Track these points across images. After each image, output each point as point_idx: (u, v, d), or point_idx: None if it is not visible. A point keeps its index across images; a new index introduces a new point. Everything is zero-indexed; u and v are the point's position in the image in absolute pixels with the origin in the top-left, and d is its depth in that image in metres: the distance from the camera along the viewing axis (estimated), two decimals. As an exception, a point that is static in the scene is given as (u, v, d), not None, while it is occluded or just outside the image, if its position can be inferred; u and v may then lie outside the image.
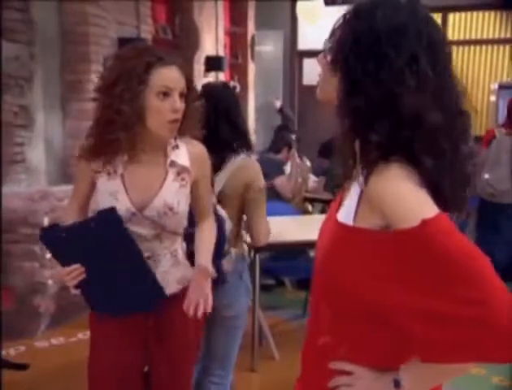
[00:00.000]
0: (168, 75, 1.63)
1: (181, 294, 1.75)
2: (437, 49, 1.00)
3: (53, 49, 4.08)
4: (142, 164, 1.72)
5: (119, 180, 1.70)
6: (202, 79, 6.17)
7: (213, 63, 6.22)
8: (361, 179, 1.03)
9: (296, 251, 3.95)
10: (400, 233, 0.94)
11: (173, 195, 1.72)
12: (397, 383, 1.03)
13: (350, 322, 1.08)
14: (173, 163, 1.73)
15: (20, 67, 3.73)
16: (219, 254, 2.06)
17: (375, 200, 1.00)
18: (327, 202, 5.10)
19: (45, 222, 3.67)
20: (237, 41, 7.41)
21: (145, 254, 1.71)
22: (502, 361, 0.92)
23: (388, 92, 0.97)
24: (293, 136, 5.48)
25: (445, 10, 8.08)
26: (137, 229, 1.70)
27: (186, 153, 1.76)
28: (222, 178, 2.18)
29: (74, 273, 1.62)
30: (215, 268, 1.91)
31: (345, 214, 1.07)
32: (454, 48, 8.29)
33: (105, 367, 1.80)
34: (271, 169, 4.73)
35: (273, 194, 4.74)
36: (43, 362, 3.40)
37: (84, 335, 3.75)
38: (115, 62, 1.66)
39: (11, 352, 3.49)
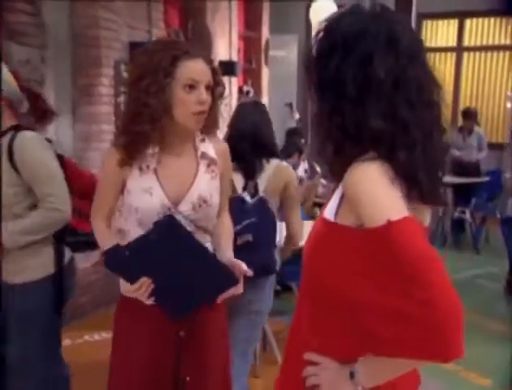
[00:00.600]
0: (194, 68, 1.65)
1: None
2: (399, 46, 1.06)
3: (64, 53, 4.11)
4: (174, 157, 1.73)
5: (152, 175, 1.69)
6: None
7: (226, 68, 6.22)
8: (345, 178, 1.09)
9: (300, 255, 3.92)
10: (368, 231, 1.01)
11: (206, 187, 1.74)
12: (352, 375, 1.09)
13: (325, 316, 1.14)
14: (204, 155, 1.76)
15: (32, 70, 3.77)
16: (271, 245, 2.37)
17: (351, 199, 1.06)
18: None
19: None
20: (251, 46, 7.41)
21: None
22: (443, 360, 0.95)
23: (334, 103, 1.08)
24: (303, 141, 5.46)
25: (462, 15, 8.01)
26: None
27: (212, 147, 1.80)
28: (264, 178, 2.39)
29: (143, 288, 1.61)
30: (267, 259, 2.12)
31: (330, 209, 1.13)
32: (471, 54, 8.22)
33: (136, 368, 1.76)
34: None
35: None
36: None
37: (90, 337, 3.78)
38: (142, 57, 1.68)
39: (18, 352, 3.51)
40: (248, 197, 2.35)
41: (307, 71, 1.15)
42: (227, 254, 1.78)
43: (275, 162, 2.45)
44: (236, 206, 2.18)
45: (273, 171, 2.40)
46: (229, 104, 6.65)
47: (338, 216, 1.10)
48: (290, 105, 7.88)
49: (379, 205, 1.00)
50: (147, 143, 1.69)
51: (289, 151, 5.20)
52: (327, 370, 1.14)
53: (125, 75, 4.40)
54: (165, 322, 1.71)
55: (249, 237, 2.29)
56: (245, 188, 2.38)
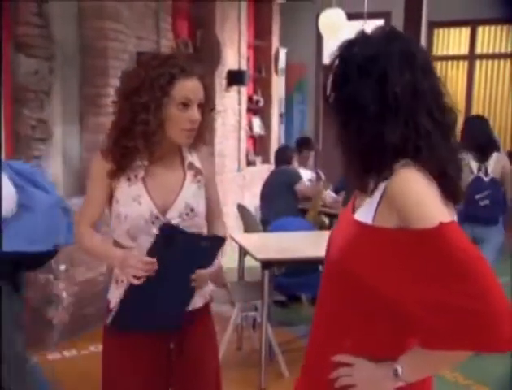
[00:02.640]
0: (189, 87, 1.68)
1: (204, 310, 1.82)
2: (414, 61, 1.17)
3: (72, 64, 4.14)
4: (161, 167, 1.76)
5: (141, 184, 1.72)
6: (223, 93, 6.19)
7: (235, 77, 6.24)
8: (382, 184, 1.16)
9: (309, 267, 3.90)
10: (418, 232, 1.07)
11: (193, 196, 1.76)
12: (396, 372, 1.15)
13: (364, 317, 1.19)
14: (191, 165, 1.80)
15: (39, 81, 3.80)
16: (502, 207, 3.74)
17: (396, 200, 1.12)
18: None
19: (59, 234, 3.70)
20: (261, 55, 7.42)
21: None
22: (497, 350, 1.04)
23: (359, 124, 1.17)
24: (312, 153, 5.45)
25: (474, 23, 7.95)
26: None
27: (197, 157, 1.83)
28: (491, 164, 3.83)
29: (148, 267, 1.57)
30: None
31: (365, 213, 1.19)
32: (483, 62, 8.14)
33: (129, 382, 1.76)
34: (293, 178, 4.76)
35: (297, 202, 4.77)
36: (54, 374, 3.41)
37: (95, 348, 3.76)
38: (138, 70, 1.69)
39: (23, 363, 3.52)
40: (483, 176, 3.79)
41: (327, 101, 1.25)
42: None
43: (496, 153, 3.89)
44: (476, 182, 3.74)
45: (496, 158, 3.85)
46: (238, 113, 6.66)
47: (376, 219, 1.16)
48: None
49: (428, 208, 1.08)
50: (135, 156, 1.72)
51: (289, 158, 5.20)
52: (364, 370, 1.19)
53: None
54: (155, 335, 1.73)
55: (486, 202, 3.72)
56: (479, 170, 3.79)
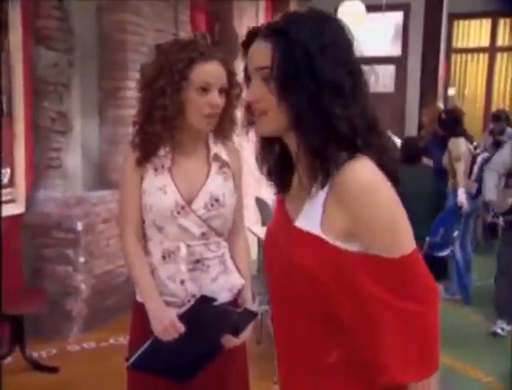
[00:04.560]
0: (208, 71, 1.65)
1: (232, 303, 1.76)
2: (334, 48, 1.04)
3: (91, 57, 4.14)
4: (187, 157, 1.74)
5: (167, 174, 1.70)
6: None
7: (253, 71, 6.18)
8: (325, 186, 1.03)
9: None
10: (376, 257, 0.99)
11: (218, 187, 1.73)
12: None
13: (337, 327, 1.06)
14: (216, 156, 1.76)
15: (59, 73, 3.80)
16: None
17: (350, 203, 1.00)
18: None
19: (79, 227, 3.71)
20: (279, 49, 7.35)
21: (193, 258, 1.71)
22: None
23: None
24: None
25: (495, 15, 7.83)
26: (185, 224, 1.68)
27: (224, 150, 1.79)
28: None
29: (174, 331, 1.60)
30: None
31: (307, 220, 1.05)
32: (504, 54, 8.02)
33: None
34: None
35: None
36: (73, 366, 3.42)
37: (115, 340, 3.77)
38: (158, 57, 1.70)
39: (43, 354, 3.54)
40: None
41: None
42: (247, 297, 1.80)
43: None
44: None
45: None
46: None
47: (324, 225, 1.02)
48: None
49: (389, 235, 1.00)
50: (160, 143, 1.70)
51: None
52: None
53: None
54: None
55: None
56: None
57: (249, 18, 6.26)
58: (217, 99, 1.65)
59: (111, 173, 4.25)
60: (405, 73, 7.79)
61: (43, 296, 3.45)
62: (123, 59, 4.17)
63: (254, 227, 4.21)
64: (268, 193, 6.05)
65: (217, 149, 1.78)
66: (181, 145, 1.74)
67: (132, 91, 4.24)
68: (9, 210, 3.57)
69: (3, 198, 3.54)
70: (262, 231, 3.85)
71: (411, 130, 7.33)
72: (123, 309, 4.17)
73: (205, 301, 1.63)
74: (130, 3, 4.16)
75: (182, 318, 1.62)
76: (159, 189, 1.70)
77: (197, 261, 1.72)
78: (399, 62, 7.90)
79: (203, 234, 1.72)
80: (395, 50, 7.93)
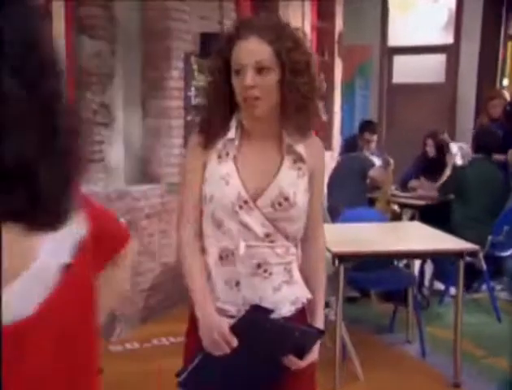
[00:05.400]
0: (241, 50, 1.47)
1: (295, 318, 1.54)
2: None
3: (134, 46, 4.00)
4: (256, 147, 1.55)
5: (231, 163, 1.52)
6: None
7: (298, 60, 5.97)
8: None
9: (381, 261, 3.63)
10: None
11: (290, 184, 1.51)
12: None
13: None
14: (290, 148, 1.53)
15: (102, 63, 3.66)
16: None
17: None
18: (417, 208, 4.73)
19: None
20: (324, 37, 7.11)
21: (254, 261, 1.50)
22: None
23: None
24: (375, 136, 5.16)
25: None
26: (247, 221, 1.48)
27: (301, 141, 1.55)
28: None
29: (224, 344, 1.43)
30: None
31: None
32: None
33: None
34: (366, 165, 4.61)
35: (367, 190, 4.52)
36: (116, 368, 3.28)
37: (158, 341, 3.64)
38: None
39: (86, 354, 3.42)
40: None
41: None
42: (317, 320, 1.57)
43: None
44: None
45: None
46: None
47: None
48: None
49: None
50: (223, 126, 1.53)
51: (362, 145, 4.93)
52: None
53: (196, 67, 4.25)
54: None
55: None
56: None
57: (295, 5, 6.03)
58: (248, 80, 1.44)
59: (154, 166, 4.11)
60: (457, 62, 7.42)
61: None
62: (167, 48, 4.01)
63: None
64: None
65: (291, 140, 1.54)
66: (250, 133, 1.55)
67: (176, 81, 4.08)
68: (51, 205, 3.46)
69: (45, 193, 3.43)
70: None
71: (464, 122, 6.97)
72: (167, 308, 4.05)
73: (259, 312, 1.44)
74: (175, -11, 4.00)
75: (234, 330, 1.43)
76: (221, 179, 1.51)
77: (259, 265, 1.51)
78: (450, 51, 7.53)
79: (267, 235, 1.50)
80: (447, 38, 7.56)
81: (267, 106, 1.48)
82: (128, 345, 3.59)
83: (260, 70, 1.45)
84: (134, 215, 3.72)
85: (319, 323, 1.56)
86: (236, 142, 1.53)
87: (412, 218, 4.86)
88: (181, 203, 1.60)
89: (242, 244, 1.49)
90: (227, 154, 1.53)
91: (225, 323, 1.45)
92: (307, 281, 1.60)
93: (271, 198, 1.49)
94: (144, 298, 3.86)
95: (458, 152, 5.09)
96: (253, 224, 1.49)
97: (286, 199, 1.50)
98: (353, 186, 4.40)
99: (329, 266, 3.75)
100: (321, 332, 1.51)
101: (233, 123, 1.54)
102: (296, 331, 1.46)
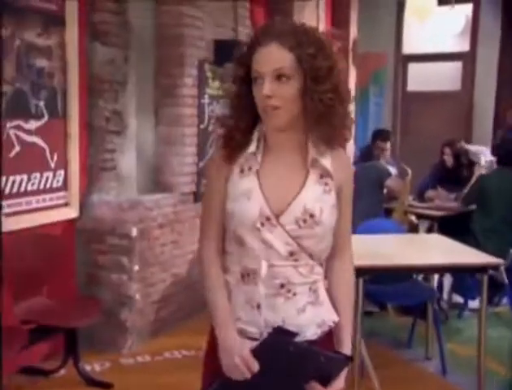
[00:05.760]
0: (260, 58, 1.37)
1: (321, 342, 1.43)
2: None
3: (147, 53, 3.94)
4: (280, 160, 1.45)
5: (254, 177, 1.43)
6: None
7: (312, 67, 5.90)
8: None
9: (399, 274, 3.52)
10: None
11: (315, 200, 1.41)
12: None
13: None
14: (315, 162, 1.43)
15: (114, 70, 3.60)
16: None
17: None
18: (435, 219, 4.62)
19: (134, 233, 3.50)
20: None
21: (277, 281, 1.41)
22: None
23: None
24: (388, 144, 5.06)
25: None
26: (270, 239, 1.39)
27: (328, 155, 1.44)
28: None
29: (245, 369, 1.34)
30: None
31: None
32: None
33: None
34: (383, 175, 4.52)
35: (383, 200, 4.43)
36: (127, 381, 3.21)
37: (170, 354, 3.55)
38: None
39: (96, 367, 3.34)
40: None
41: None
42: (345, 345, 1.46)
43: None
44: None
45: None
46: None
47: None
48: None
49: None
50: (246, 139, 1.44)
51: (378, 154, 4.82)
52: None
53: (209, 74, 4.18)
54: None
55: None
56: None
57: (310, 13, 5.96)
58: (265, 89, 1.35)
59: (167, 175, 4.04)
60: (473, 69, 7.31)
61: (97, 306, 3.24)
62: (180, 54, 3.94)
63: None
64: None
65: (317, 152, 1.43)
66: (273, 145, 1.45)
67: (189, 88, 4.02)
68: (62, 215, 3.40)
69: (57, 202, 3.37)
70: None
71: (481, 131, 6.86)
72: (179, 320, 3.96)
73: (282, 335, 1.34)
74: (188, -5, 3.94)
75: (255, 353, 1.33)
76: (243, 194, 1.42)
77: (282, 285, 1.41)
78: (467, 58, 7.43)
79: (291, 253, 1.40)
80: (463, 45, 7.46)
81: (288, 117, 1.39)
82: (139, 358, 3.50)
83: (279, 78, 1.36)
84: (146, 225, 3.65)
85: (346, 349, 1.45)
86: (259, 155, 1.45)
87: (429, 230, 4.75)
88: (203, 219, 1.53)
89: (264, 264, 1.40)
90: (250, 168, 1.44)
91: (246, 347, 1.36)
92: (334, 303, 1.50)
93: (295, 215, 1.39)
94: (155, 310, 3.78)
95: (487, 164, 4.96)
96: (276, 242, 1.39)
97: (311, 216, 1.39)
98: (370, 196, 4.29)
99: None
100: (348, 359, 1.40)
101: (256, 135, 1.45)
102: (321, 356, 1.36)
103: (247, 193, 1.41)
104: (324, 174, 1.43)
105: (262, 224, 1.39)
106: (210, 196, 1.51)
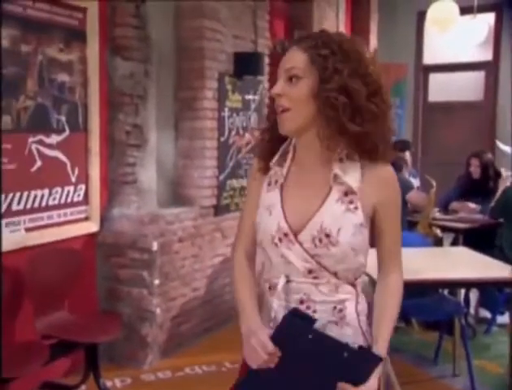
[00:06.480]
0: (280, 64, 1.38)
1: None
2: None
3: (167, 66, 3.94)
4: (305, 175, 1.41)
5: (277, 191, 1.42)
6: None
7: (332, 79, 5.87)
8: None
9: (425, 289, 3.43)
10: None
11: (334, 219, 1.34)
12: None
13: None
14: (337, 178, 1.37)
15: (135, 84, 3.60)
16: None
17: None
18: (460, 232, 4.52)
19: (154, 247, 3.47)
20: (358, 56, 7.00)
21: (296, 296, 1.38)
22: None
23: None
24: (408, 154, 4.97)
25: None
26: (288, 255, 1.37)
27: (359, 170, 1.37)
28: None
29: (268, 355, 1.29)
30: None
31: None
32: None
33: None
34: (404, 187, 4.38)
35: (406, 213, 4.35)
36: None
37: (191, 369, 3.50)
38: None
39: (117, 383, 3.31)
40: None
41: None
42: (376, 338, 1.38)
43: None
44: None
45: None
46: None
47: None
48: None
49: None
50: (274, 152, 1.43)
51: (399, 164, 4.73)
52: None
53: (229, 87, 4.16)
54: None
55: None
56: None
57: (329, 24, 5.94)
58: (276, 87, 1.34)
59: (187, 189, 4.02)
60: (496, 79, 7.20)
61: (118, 322, 3.21)
62: (200, 67, 3.93)
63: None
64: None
65: (342, 168, 1.36)
66: (300, 159, 1.41)
67: (210, 101, 4.00)
68: (83, 229, 3.39)
69: (78, 216, 3.36)
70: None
71: (504, 141, 6.73)
72: (199, 335, 3.91)
73: (299, 319, 1.29)
74: (208, 8, 3.93)
75: (274, 340, 1.29)
76: (267, 208, 1.41)
77: (301, 301, 1.37)
78: (489, 68, 7.32)
79: (310, 271, 1.36)
80: (485, 55, 7.36)
81: (299, 120, 1.33)
82: (160, 374, 3.45)
83: (291, 79, 1.33)
84: (167, 239, 3.62)
85: (380, 350, 1.34)
86: (284, 169, 1.41)
87: (454, 243, 4.65)
88: (239, 222, 1.57)
89: (282, 279, 1.38)
90: (276, 182, 1.42)
91: (264, 331, 1.32)
92: (375, 313, 1.43)
93: (311, 233, 1.34)
94: (176, 325, 3.74)
95: (508, 176, 4.85)
96: (294, 259, 1.36)
97: (327, 236, 1.33)
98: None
99: (368, 294, 3.58)
100: (378, 358, 1.30)
101: (282, 147, 1.43)
102: (344, 351, 1.28)
103: (269, 207, 1.41)
104: (349, 191, 1.36)
105: (280, 240, 1.37)
106: (245, 203, 1.56)
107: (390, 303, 1.42)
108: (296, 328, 1.29)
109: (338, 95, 1.28)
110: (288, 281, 1.37)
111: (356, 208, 1.35)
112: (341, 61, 1.30)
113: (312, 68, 1.31)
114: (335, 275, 1.37)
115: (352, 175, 1.36)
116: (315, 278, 1.36)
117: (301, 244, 1.35)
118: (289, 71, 1.33)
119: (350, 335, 1.39)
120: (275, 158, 1.42)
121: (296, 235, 1.35)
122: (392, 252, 1.43)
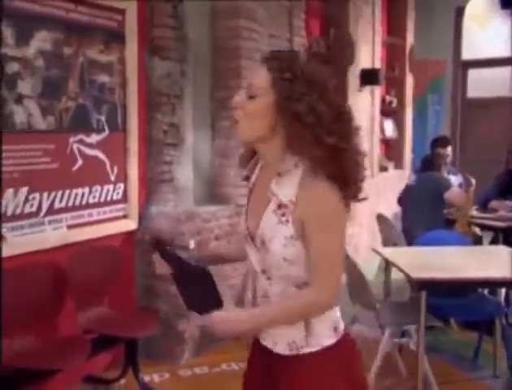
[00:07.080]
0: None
1: (290, 362, 1.46)
2: None
3: (204, 66, 3.98)
4: (262, 183, 1.50)
5: (247, 195, 1.58)
6: (356, 93, 5.80)
7: (368, 76, 5.83)
8: None
9: (466, 288, 3.38)
10: None
11: (269, 229, 1.42)
12: None
13: None
14: (271, 191, 1.43)
15: (172, 84, 3.66)
16: None
17: None
18: (499, 230, 4.43)
19: (191, 245, 3.52)
20: (394, 53, 6.92)
21: (261, 292, 1.50)
22: None
23: None
24: (449, 149, 4.87)
25: None
26: (250, 254, 1.51)
27: (296, 185, 1.39)
28: None
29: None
30: None
31: None
32: None
33: None
34: (442, 186, 4.36)
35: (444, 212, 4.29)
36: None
37: (227, 366, 3.54)
38: None
39: (155, 378, 3.37)
40: None
41: None
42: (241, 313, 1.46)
43: None
44: None
45: None
46: (371, 115, 6.22)
47: None
48: None
49: None
50: (249, 157, 1.57)
51: (438, 163, 4.62)
52: None
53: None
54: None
55: None
56: None
57: (365, 22, 5.90)
58: (236, 98, 1.44)
59: (223, 187, 4.06)
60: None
61: (156, 318, 3.27)
62: (236, 67, 3.97)
63: (379, 247, 3.82)
64: (386, 210, 5.59)
65: (278, 182, 1.41)
66: (263, 167, 1.53)
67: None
68: (122, 227, 3.46)
69: (116, 214, 3.44)
70: (391, 253, 3.44)
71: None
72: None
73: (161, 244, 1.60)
74: (244, 8, 3.95)
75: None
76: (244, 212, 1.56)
77: (264, 296, 1.49)
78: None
79: (263, 271, 1.47)
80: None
81: (252, 134, 1.40)
82: (196, 370, 3.50)
83: (247, 92, 1.40)
84: (203, 237, 3.67)
85: (237, 316, 1.40)
86: (254, 175, 1.54)
87: (493, 241, 4.56)
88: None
89: (251, 274, 1.52)
90: (249, 187, 1.56)
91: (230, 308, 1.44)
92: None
93: (259, 238, 1.45)
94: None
95: None
96: (253, 258, 1.49)
97: (263, 243, 1.43)
98: (429, 207, 4.16)
99: (404, 292, 3.55)
100: (206, 273, 1.40)
101: (256, 156, 1.54)
102: (184, 264, 1.49)
103: (243, 209, 1.56)
104: (282, 204, 1.41)
105: (246, 239, 1.50)
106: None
107: (285, 303, 1.44)
108: (161, 253, 1.60)
109: (306, 115, 1.33)
110: (253, 277, 1.51)
111: (287, 221, 1.39)
112: (305, 86, 1.36)
113: (273, 89, 1.37)
114: (282, 278, 1.45)
115: (286, 189, 1.40)
116: (268, 278, 1.46)
117: (256, 245, 1.45)
118: (250, 87, 1.41)
119: (296, 335, 1.45)
120: (249, 166, 1.55)
121: (252, 237, 1.46)
122: (314, 267, 1.40)
